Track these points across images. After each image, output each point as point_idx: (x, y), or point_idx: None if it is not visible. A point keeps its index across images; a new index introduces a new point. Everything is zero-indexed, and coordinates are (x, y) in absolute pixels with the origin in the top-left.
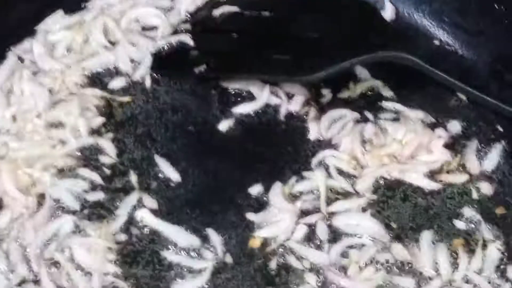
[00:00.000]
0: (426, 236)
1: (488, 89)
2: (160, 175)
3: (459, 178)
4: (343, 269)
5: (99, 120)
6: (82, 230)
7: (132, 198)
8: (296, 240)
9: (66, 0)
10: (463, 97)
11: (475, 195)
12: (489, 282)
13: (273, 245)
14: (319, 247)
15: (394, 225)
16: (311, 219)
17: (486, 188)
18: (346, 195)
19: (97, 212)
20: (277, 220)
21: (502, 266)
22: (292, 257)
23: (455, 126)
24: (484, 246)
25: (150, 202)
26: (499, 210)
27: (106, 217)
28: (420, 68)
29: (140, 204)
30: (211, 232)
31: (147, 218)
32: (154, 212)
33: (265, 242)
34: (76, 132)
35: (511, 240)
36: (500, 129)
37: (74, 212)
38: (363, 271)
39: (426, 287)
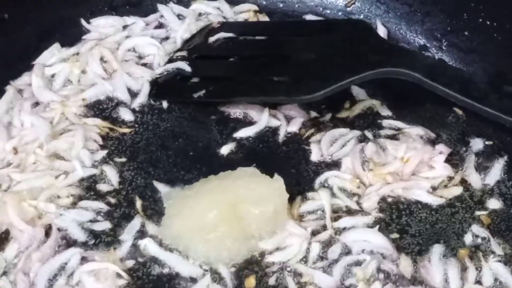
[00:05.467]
0: (437, 249)
1: (488, 100)
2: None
3: (460, 190)
4: None
5: (102, 151)
6: (90, 259)
7: (136, 223)
8: (307, 261)
9: (62, 34)
10: (460, 112)
11: (479, 210)
12: None
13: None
14: (326, 269)
15: (400, 240)
16: (322, 236)
17: (492, 203)
18: (351, 212)
19: (103, 240)
20: (289, 244)
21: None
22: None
23: (478, 144)
24: (488, 258)
25: (153, 228)
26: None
27: (112, 244)
28: (419, 82)
29: (143, 230)
30: (221, 267)
31: (150, 247)
32: (157, 240)
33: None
34: (80, 162)
35: None
36: (500, 143)
37: (81, 243)
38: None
39: None
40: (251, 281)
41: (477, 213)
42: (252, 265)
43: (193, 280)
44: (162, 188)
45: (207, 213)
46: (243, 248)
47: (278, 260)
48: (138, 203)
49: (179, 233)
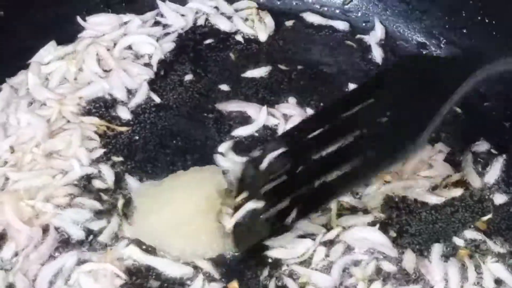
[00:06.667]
0: (437, 249)
1: None
2: None
3: (460, 191)
4: None
5: (100, 150)
6: (88, 259)
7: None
8: (311, 262)
9: (58, 31)
10: (459, 110)
11: (479, 214)
12: None
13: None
14: (325, 269)
15: (400, 239)
16: (327, 236)
17: (492, 202)
18: (352, 211)
19: (101, 240)
20: (295, 243)
21: None
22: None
23: (482, 146)
24: (487, 259)
25: (128, 228)
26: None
27: (109, 244)
28: None
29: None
30: (198, 261)
31: (134, 255)
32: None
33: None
34: (77, 160)
35: None
36: (499, 142)
37: (78, 242)
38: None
39: None
40: (234, 286)
41: (476, 222)
42: (250, 264)
43: (188, 279)
44: (133, 183)
45: (181, 207)
46: (218, 242)
47: (281, 259)
48: (120, 202)
49: (153, 229)
